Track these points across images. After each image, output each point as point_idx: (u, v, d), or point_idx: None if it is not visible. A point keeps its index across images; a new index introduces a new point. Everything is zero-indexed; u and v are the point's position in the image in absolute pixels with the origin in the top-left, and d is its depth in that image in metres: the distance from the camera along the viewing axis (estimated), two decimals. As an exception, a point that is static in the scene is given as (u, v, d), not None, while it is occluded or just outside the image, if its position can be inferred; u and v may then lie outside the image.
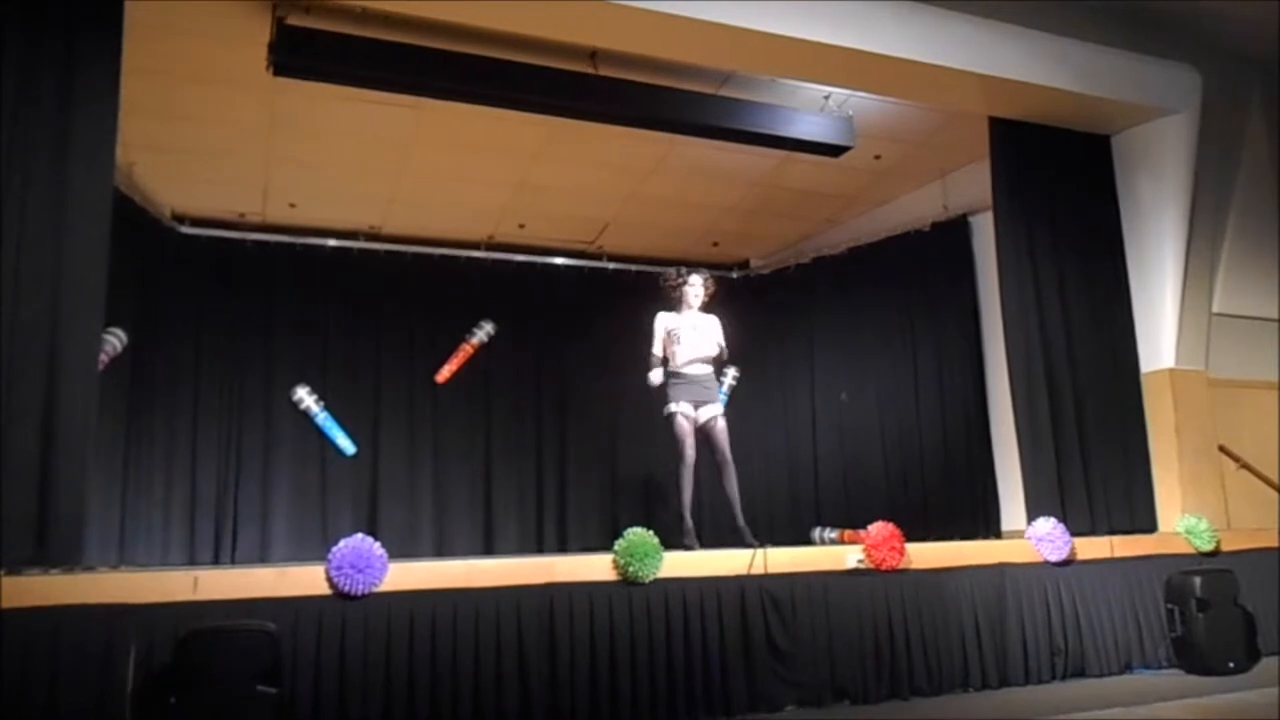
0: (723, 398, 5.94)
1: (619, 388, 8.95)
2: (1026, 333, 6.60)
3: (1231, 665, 5.55)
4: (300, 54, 5.44)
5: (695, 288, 5.95)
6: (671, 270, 6.12)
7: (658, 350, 5.88)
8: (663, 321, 5.92)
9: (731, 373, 9.34)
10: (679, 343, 5.82)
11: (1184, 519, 6.31)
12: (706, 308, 6.04)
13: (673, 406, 5.69)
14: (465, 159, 7.56)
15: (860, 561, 5.19)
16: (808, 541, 8.42)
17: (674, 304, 5.99)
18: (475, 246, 9.25)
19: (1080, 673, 5.56)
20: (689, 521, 5.53)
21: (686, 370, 5.78)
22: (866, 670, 5.01)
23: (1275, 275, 7.42)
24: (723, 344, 5.93)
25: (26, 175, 4.33)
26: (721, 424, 5.78)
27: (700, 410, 5.75)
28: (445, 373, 8.95)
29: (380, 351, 8.82)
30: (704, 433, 5.77)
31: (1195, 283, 6.96)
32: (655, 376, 5.84)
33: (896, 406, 8.49)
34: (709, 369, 5.89)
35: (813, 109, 6.69)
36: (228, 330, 8.34)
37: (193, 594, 3.98)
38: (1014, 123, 6.84)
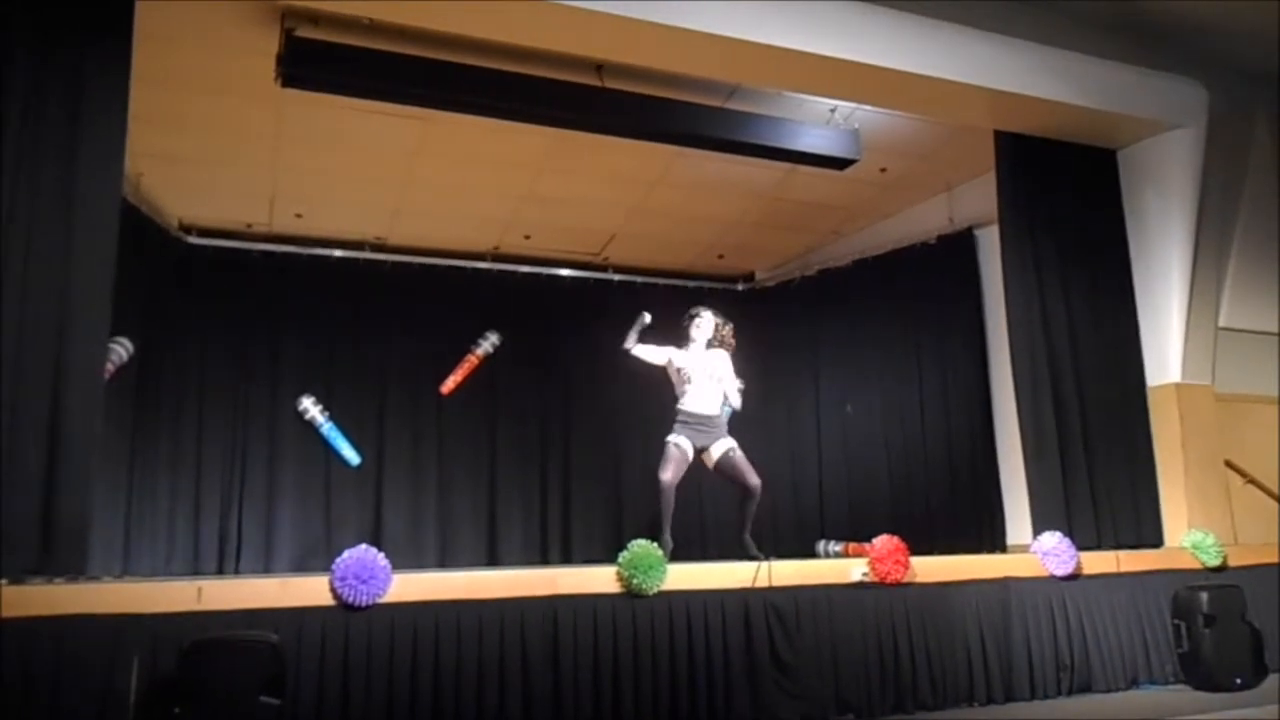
0: (726, 410, 5.84)
1: (624, 399, 8.95)
2: (1032, 346, 6.58)
3: (1238, 681, 5.50)
4: (308, 65, 5.46)
5: (704, 328, 5.72)
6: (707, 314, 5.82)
7: (657, 359, 5.68)
8: (671, 355, 5.70)
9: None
10: (689, 382, 5.64)
11: (1190, 534, 6.28)
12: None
13: (672, 438, 5.53)
14: (471, 170, 7.58)
15: (865, 575, 5.17)
16: (812, 554, 8.40)
17: (684, 341, 5.74)
18: (481, 257, 9.26)
19: (1086, 688, 5.52)
20: (667, 538, 5.27)
21: (694, 410, 5.60)
22: (871, 684, 4.99)
23: (1281, 290, 7.42)
24: (738, 385, 5.77)
25: (35, 184, 4.35)
26: (736, 455, 5.60)
27: (713, 447, 5.59)
28: (450, 383, 8.94)
29: (385, 362, 8.83)
30: (720, 469, 5.63)
31: (1201, 297, 6.95)
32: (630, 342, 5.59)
33: (901, 419, 8.47)
34: (716, 410, 5.69)
35: (819, 122, 6.71)
36: (233, 340, 8.36)
37: (196, 604, 3.98)
38: (1020, 136, 6.83)
